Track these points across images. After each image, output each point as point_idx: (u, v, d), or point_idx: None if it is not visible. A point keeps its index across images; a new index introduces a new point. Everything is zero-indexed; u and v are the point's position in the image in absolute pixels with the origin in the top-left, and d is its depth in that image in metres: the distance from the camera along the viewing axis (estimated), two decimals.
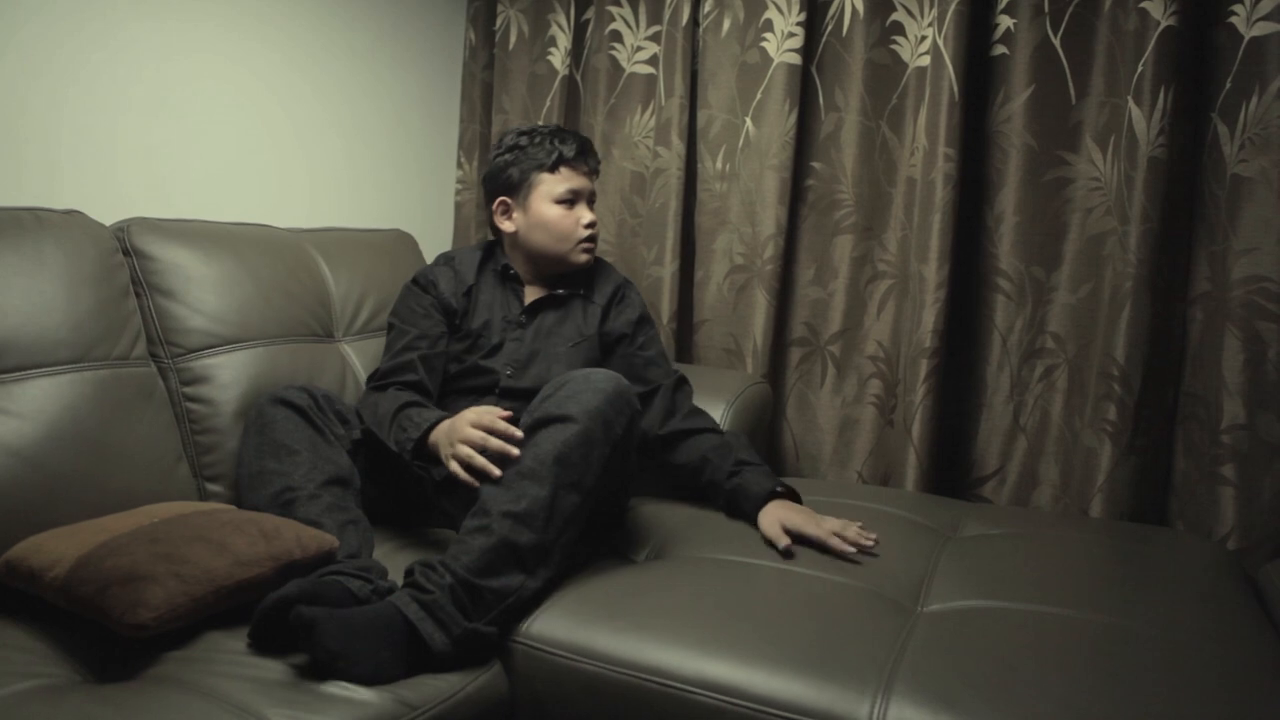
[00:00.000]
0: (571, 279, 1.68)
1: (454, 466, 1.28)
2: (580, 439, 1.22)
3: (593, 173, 1.67)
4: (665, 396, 1.60)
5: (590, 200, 1.65)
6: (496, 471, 1.23)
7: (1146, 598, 1.24)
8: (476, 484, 1.25)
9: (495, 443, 1.25)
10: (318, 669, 1.00)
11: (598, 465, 1.24)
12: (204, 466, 1.43)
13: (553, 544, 1.19)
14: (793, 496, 1.47)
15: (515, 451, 1.23)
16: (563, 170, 1.62)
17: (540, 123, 1.85)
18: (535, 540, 1.17)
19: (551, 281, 1.67)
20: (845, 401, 1.98)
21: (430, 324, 1.60)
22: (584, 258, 1.64)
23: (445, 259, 1.70)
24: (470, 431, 1.28)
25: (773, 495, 1.44)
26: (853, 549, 1.32)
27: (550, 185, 1.62)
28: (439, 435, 1.35)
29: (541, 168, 1.62)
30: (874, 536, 1.37)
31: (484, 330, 1.62)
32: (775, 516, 1.39)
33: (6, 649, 1.02)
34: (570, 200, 1.62)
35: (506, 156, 1.64)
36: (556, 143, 1.63)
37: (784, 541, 1.34)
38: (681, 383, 1.64)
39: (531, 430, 1.25)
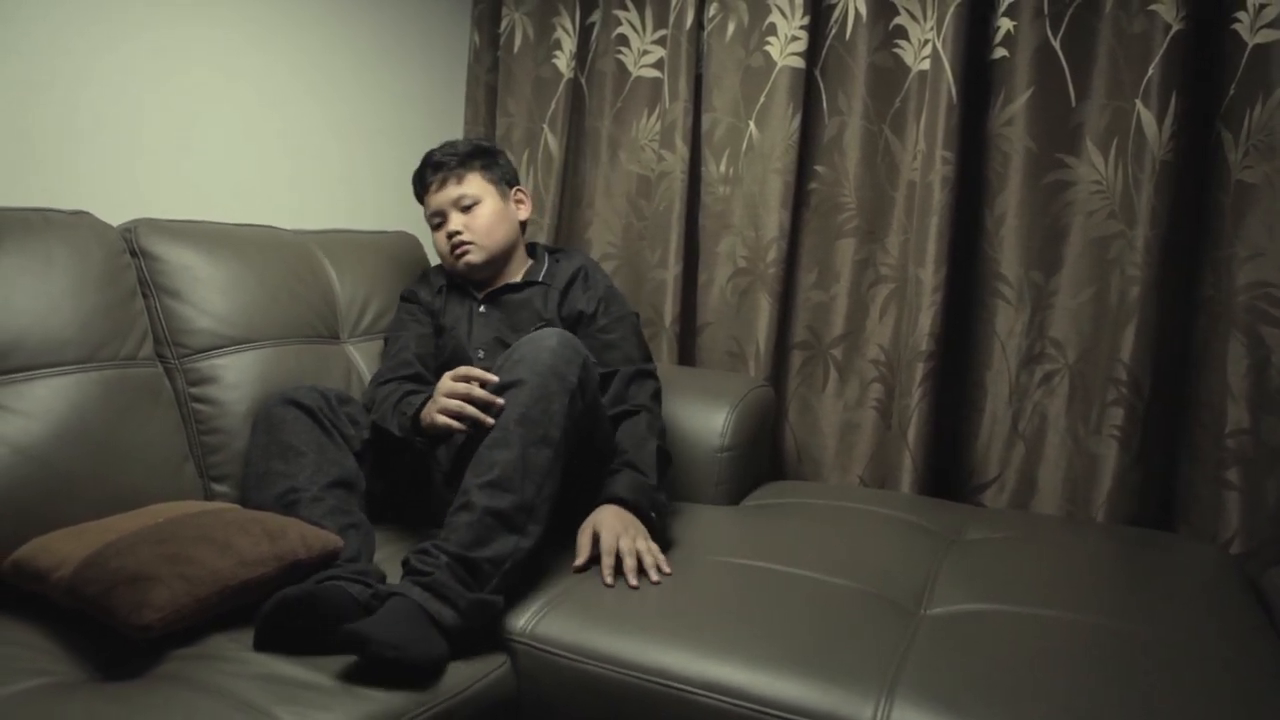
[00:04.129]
0: (526, 269, 1.73)
1: (443, 420, 1.34)
2: (536, 396, 1.26)
3: (447, 181, 1.67)
4: (619, 384, 1.56)
5: (458, 206, 1.67)
6: (488, 419, 1.28)
7: (1150, 602, 1.24)
8: (467, 430, 1.32)
9: (479, 392, 1.31)
10: (379, 663, 1.00)
11: (559, 416, 1.27)
12: (210, 466, 1.44)
13: (534, 499, 1.22)
14: (639, 511, 1.37)
15: (499, 401, 1.28)
16: (424, 199, 1.73)
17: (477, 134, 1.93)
18: (517, 501, 1.20)
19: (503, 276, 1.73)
20: (847, 405, 1.98)
21: (420, 325, 1.70)
22: (463, 262, 1.67)
23: (422, 272, 1.83)
24: (452, 384, 1.35)
25: (613, 500, 1.38)
26: (609, 580, 1.25)
27: (425, 212, 1.74)
28: (429, 404, 1.40)
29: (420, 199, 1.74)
30: (657, 579, 1.27)
31: (455, 324, 1.69)
32: (593, 520, 1.35)
33: (15, 647, 1.02)
34: (438, 222, 1.70)
35: None
36: (418, 174, 1.73)
37: (582, 557, 1.30)
38: (641, 375, 1.58)
39: None
